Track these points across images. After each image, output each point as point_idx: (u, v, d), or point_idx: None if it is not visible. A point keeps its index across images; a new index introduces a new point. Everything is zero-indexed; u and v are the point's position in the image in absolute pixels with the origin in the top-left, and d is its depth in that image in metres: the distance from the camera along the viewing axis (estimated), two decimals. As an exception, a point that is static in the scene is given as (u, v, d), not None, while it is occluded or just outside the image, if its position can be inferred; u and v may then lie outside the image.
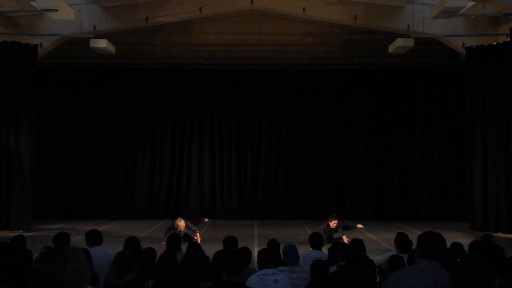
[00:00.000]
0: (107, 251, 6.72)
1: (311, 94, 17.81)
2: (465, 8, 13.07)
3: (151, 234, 13.40)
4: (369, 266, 6.14)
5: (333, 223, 12.03)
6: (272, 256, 5.87)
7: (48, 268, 2.58)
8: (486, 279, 3.16)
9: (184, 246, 6.81)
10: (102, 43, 13.84)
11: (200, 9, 15.37)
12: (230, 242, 6.89)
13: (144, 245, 6.65)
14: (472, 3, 13.15)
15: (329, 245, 6.80)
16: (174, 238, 6.90)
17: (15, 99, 14.40)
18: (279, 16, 16.68)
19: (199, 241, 10.72)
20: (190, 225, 11.97)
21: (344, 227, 13.13)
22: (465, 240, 9.47)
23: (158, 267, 5.13)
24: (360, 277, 4.66)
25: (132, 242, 6.54)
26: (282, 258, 6.24)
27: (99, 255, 6.35)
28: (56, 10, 11.84)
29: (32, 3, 12.46)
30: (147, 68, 17.67)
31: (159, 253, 6.09)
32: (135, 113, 17.82)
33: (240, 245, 6.99)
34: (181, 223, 11.68)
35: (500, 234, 13.56)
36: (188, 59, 17.58)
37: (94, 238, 6.77)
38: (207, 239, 12.20)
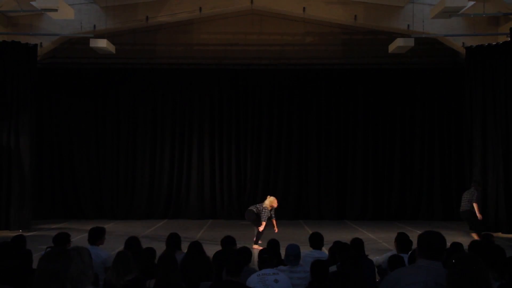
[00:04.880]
0: (99, 252, 6.65)
1: (311, 94, 17.81)
2: (465, 8, 13.06)
3: (151, 234, 13.40)
4: (369, 266, 6.14)
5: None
6: (272, 256, 5.86)
7: (51, 268, 2.57)
8: (483, 278, 3.16)
9: (184, 247, 6.81)
10: (102, 43, 13.85)
11: (200, 9, 15.37)
12: (228, 242, 6.88)
13: (144, 245, 6.64)
14: (472, 3, 13.15)
15: (329, 245, 6.79)
16: (174, 238, 6.89)
17: (15, 99, 14.40)
18: (279, 16, 16.67)
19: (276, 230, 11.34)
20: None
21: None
22: (465, 240, 9.48)
23: (158, 267, 5.13)
24: (358, 277, 4.66)
25: (132, 242, 6.53)
26: (282, 258, 6.23)
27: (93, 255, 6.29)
28: (56, 10, 11.85)
29: (32, 3, 12.48)
30: (147, 68, 17.67)
31: (159, 253, 6.09)
32: (135, 113, 17.82)
33: (240, 245, 6.99)
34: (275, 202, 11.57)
35: (500, 234, 13.56)
36: (188, 59, 17.58)
37: (94, 236, 6.75)
38: (207, 239, 12.19)
